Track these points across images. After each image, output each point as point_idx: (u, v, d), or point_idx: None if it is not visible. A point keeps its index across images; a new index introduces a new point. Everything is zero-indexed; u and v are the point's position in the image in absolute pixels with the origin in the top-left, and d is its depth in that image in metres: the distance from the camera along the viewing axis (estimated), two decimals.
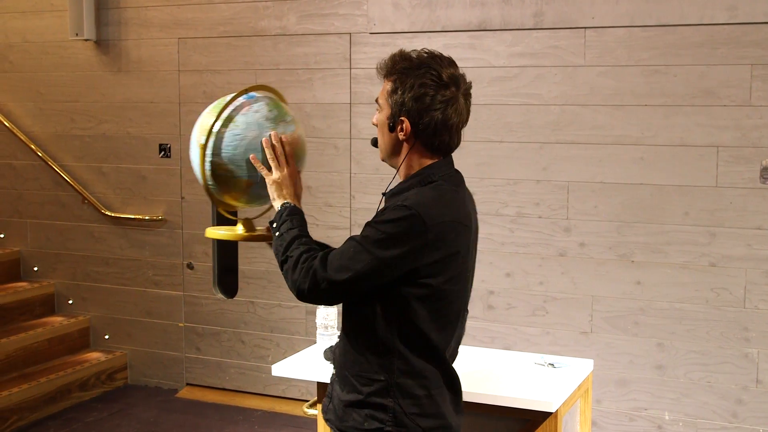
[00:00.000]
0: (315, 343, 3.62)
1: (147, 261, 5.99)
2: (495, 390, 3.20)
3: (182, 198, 5.83)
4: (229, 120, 2.57)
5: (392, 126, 2.34)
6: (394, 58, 2.35)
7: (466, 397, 3.15)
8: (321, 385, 3.38)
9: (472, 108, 4.79)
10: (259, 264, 5.62)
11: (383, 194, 2.46)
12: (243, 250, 5.66)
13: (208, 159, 2.60)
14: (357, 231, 5.54)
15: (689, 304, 4.60)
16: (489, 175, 4.94)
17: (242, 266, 5.68)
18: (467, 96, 2.37)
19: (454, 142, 2.37)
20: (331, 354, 3.37)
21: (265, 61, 5.49)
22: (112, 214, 6.02)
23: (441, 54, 2.36)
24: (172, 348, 5.97)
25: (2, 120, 6.24)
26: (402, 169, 2.39)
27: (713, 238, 4.53)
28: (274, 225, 2.50)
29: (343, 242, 2.34)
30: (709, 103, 4.49)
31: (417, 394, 2.33)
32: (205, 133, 2.58)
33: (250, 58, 5.53)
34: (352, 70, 5.25)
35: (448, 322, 2.37)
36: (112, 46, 5.94)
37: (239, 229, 2.79)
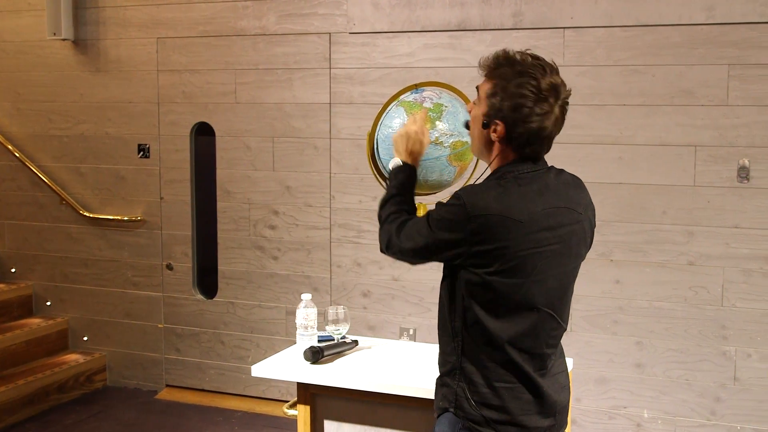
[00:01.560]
0: (295, 343, 3.61)
1: (126, 262, 5.96)
2: None
3: (161, 198, 5.80)
4: (439, 107, 2.89)
5: (486, 124, 2.41)
6: (498, 59, 2.38)
7: None
8: (301, 386, 3.37)
9: None
10: (239, 264, 5.60)
11: None
12: (223, 251, 5.64)
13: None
14: (337, 231, 5.53)
15: (668, 303, 4.62)
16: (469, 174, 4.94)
17: (222, 267, 5.66)
18: (564, 105, 2.41)
19: (544, 150, 2.44)
20: (311, 354, 3.36)
21: (245, 61, 5.47)
22: (91, 215, 5.98)
23: (544, 60, 2.39)
24: (151, 349, 5.94)
25: None
26: (491, 165, 2.48)
27: (691, 237, 4.56)
28: (386, 181, 2.76)
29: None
30: (688, 102, 4.51)
31: (477, 382, 2.43)
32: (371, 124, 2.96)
33: (230, 57, 5.51)
34: (332, 70, 5.25)
35: (505, 314, 2.38)
36: (90, 46, 5.91)
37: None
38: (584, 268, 4.69)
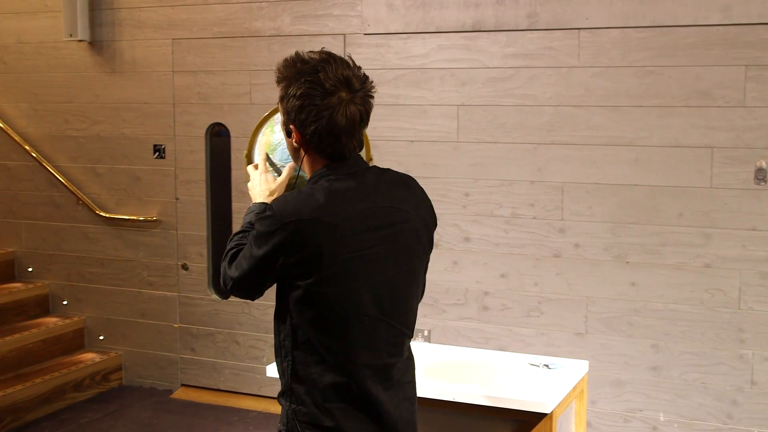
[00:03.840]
0: None
1: (141, 262, 5.98)
2: (490, 391, 3.20)
3: (177, 199, 5.82)
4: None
5: (288, 132, 2.35)
6: (286, 63, 2.32)
7: (460, 398, 3.17)
8: None
9: (467, 108, 4.80)
10: None
11: None
12: None
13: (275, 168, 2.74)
14: None
15: (684, 305, 4.60)
16: (483, 176, 4.94)
17: None
18: (366, 97, 2.34)
19: (347, 146, 2.32)
20: None
21: (260, 62, 5.48)
22: (107, 215, 6.01)
23: (334, 56, 2.32)
24: (166, 349, 5.96)
25: None
26: (307, 173, 2.40)
27: (708, 239, 4.53)
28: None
29: None
30: (704, 104, 4.49)
31: (307, 402, 2.32)
32: (267, 147, 2.74)
33: (245, 58, 5.52)
34: None
35: (336, 328, 2.28)
36: (106, 47, 5.93)
37: None
38: (599, 269, 4.70)
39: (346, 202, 2.28)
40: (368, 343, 2.32)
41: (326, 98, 2.25)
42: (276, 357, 2.41)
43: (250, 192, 2.62)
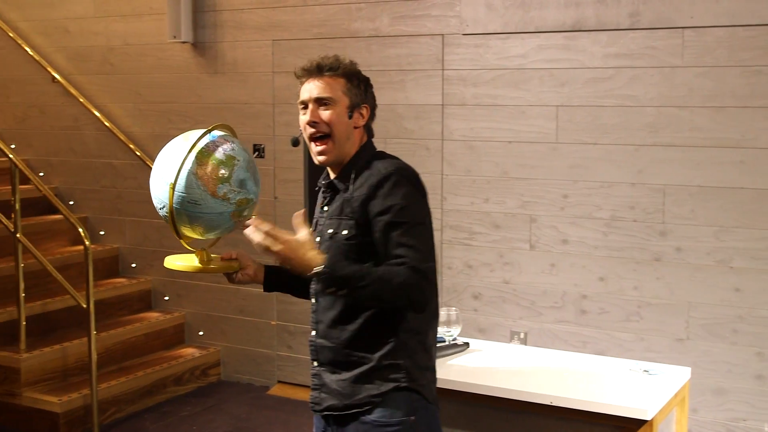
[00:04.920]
0: None
1: None
2: (588, 395, 3.16)
3: (275, 198, 5.91)
4: (231, 159, 2.74)
5: (351, 114, 2.68)
6: (339, 61, 2.76)
7: (557, 402, 3.14)
8: None
9: (567, 109, 4.80)
10: None
11: (320, 185, 2.78)
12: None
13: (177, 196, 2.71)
14: (448, 233, 5.49)
15: None
16: (583, 177, 4.87)
17: None
18: None
19: None
20: None
21: (358, 63, 5.48)
22: None
23: None
24: (264, 345, 6.06)
25: (103, 120, 6.42)
26: (351, 151, 2.69)
27: None
28: (338, 291, 2.45)
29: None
30: None
31: (417, 349, 2.59)
32: (175, 172, 2.69)
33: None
34: (445, 71, 5.24)
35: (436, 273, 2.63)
36: (208, 48, 6.06)
37: (195, 260, 2.88)
38: (701, 274, 4.59)
39: None
40: None
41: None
42: (373, 323, 2.57)
43: (299, 260, 2.43)
